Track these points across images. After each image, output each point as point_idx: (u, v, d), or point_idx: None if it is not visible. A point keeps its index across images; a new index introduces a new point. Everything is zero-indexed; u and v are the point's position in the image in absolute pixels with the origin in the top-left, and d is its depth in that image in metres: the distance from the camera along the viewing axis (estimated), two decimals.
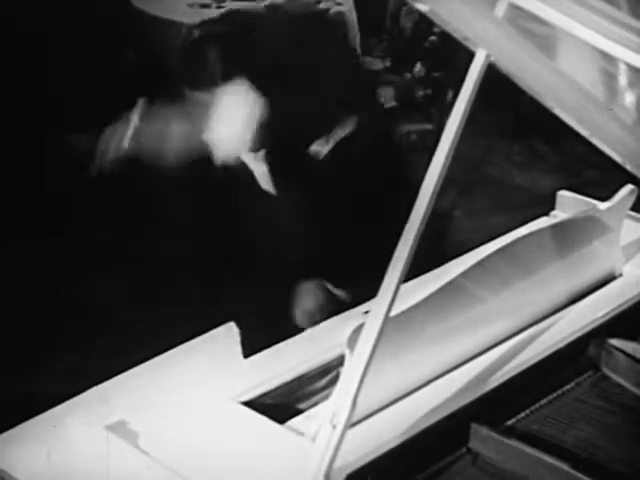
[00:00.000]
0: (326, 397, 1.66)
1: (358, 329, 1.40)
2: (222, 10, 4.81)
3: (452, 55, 4.38)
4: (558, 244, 1.90)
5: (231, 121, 2.17)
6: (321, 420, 1.37)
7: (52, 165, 4.08)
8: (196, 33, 2.06)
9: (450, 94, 4.52)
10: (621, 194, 2.04)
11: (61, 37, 4.19)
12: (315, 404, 1.72)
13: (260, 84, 2.02)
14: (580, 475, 1.54)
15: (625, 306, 1.98)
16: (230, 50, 1.99)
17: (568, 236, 1.93)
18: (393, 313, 1.42)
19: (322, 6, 4.88)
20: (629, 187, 2.04)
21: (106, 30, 4.33)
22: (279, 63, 2.09)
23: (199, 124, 2.05)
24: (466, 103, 1.40)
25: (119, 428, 1.59)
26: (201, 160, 2.12)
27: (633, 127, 1.46)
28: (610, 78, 1.45)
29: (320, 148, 2.17)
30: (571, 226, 1.96)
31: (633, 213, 2.21)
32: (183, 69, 1.96)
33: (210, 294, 2.22)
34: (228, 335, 1.76)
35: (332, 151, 2.19)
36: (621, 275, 2.10)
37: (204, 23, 2.20)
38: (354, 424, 1.49)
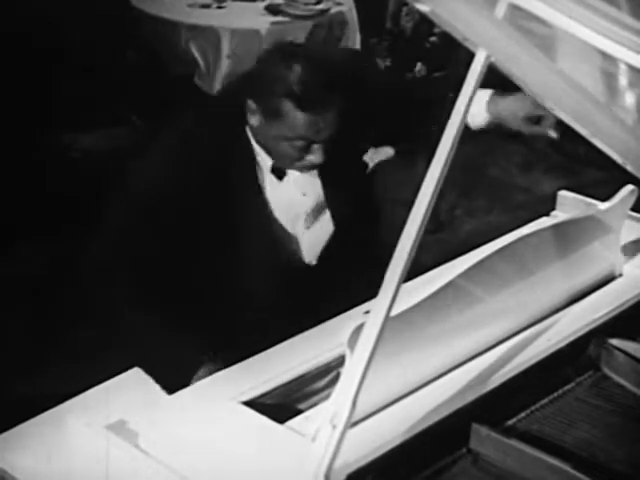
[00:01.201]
0: (326, 397, 1.67)
1: (358, 329, 1.40)
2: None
3: (452, 55, 4.38)
4: (558, 244, 1.90)
5: None
6: (321, 420, 1.37)
7: (52, 165, 4.08)
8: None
9: (450, 94, 4.52)
10: (621, 194, 2.04)
11: (61, 37, 4.19)
12: (315, 404, 1.72)
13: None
14: (580, 475, 1.54)
15: (625, 306, 1.98)
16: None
17: (568, 236, 1.93)
18: (393, 313, 1.42)
19: (322, 6, 4.89)
20: (629, 187, 2.04)
21: (106, 30, 4.34)
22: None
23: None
24: (466, 103, 1.40)
25: (119, 428, 1.59)
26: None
27: (633, 127, 1.46)
28: (610, 78, 1.45)
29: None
30: (571, 226, 1.96)
31: (633, 213, 2.21)
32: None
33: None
34: None
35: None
36: (621, 275, 2.10)
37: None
38: (354, 424, 1.49)
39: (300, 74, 2.05)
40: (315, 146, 2.11)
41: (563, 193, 2.36)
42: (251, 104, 2.12)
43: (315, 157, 2.13)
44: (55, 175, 4.03)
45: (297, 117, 2.06)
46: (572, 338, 1.86)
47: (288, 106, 2.05)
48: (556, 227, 1.91)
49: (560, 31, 1.35)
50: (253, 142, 2.18)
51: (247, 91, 2.13)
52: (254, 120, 2.13)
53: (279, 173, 2.21)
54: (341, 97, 2.08)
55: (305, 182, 2.24)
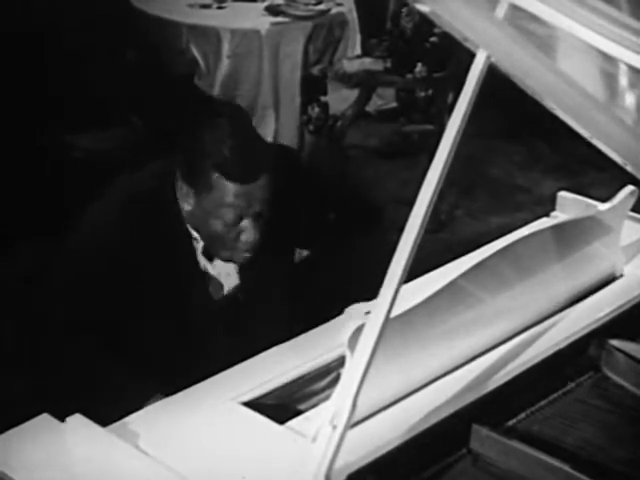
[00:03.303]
0: (326, 398, 1.66)
1: (358, 330, 1.40)
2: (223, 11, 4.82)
3: (453, 56, 4.38)
4: (559, 245, 1.90)
5: None
6: (321, 421, 1.37)
7: (52, 165, 4.08)
8: None
9: (451, 95, 4.51)
10: (621, 195, 2.04)
11: (61, 37, 4.19)
12: (315, 405, 1.72)
13: None
14: (580, 476, 1.53)
15: (626, 307, 1.98)
16: None
17: (569, 237, 1.93)
18: (394, 314, 1.42)
19: (322, 7, 4.89)
20: (629, 188, 2.04)
21: (106, 30, 4.34)
22: None
23: None
24: (467, 104, 1.40)
25: (119, 428, 1.59)
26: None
27: (633, 128, 1.46)
28: (610, 79, 1.45)
29: None
30: (572, 227, 1.96)
31: (633, 214, 2.21)
32: None
33: None
34: None
35: None
36: (622, 276, 2.10)
37: None
38: (354, 425, 1.49)
39: (228, 147, 2.08)
40: (246, 222, 2.11)
41: (563, 194, 2.36)
42: (183, 186, 2.14)
43: (248, 235, 2.12)
44: (57, 174, 4.03)
45: (226, 187, 2.07)
46: (572, 339, 1.86)
47: (217, 178, 2.07)
48: (556, 228, 1.91)
49: (560, 31, 1.35)
50: (189, 226, 2.21)
51: (180, 173, 2.16)
52: (187, 205, 2.16)
53: (209, 256, 2.23)
54: (269, 170, 2.11)
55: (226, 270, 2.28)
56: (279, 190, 2.16)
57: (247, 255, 2.17)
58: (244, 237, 2.13)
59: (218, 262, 2.24)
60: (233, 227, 2.11)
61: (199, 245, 2.21)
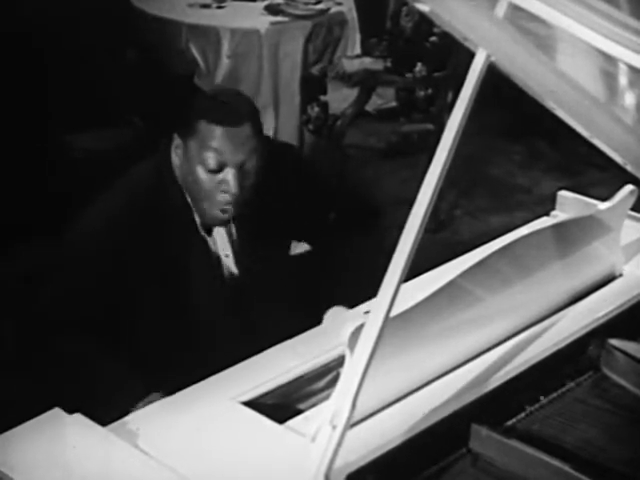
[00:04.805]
0: (326, 397, 1.66)
1: (358, 329, 1.40)
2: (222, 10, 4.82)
3: (452, 55, 4.38)
4: (558, 244, 1.90)
5: None
6: (321, 420, 1.37)
7: (52, 165, 4.08)
8: None
9: (450, 94, 4.51)
10: (621, 194, 2.04)
11: (61, 37, 4.19)
12: (315, 404, 1.72)
13: None
14: (580, 476, 1.53)
15: (625, 306, 1.98)
16: None
17: (568, 236, 1.93)
18: (393, 313, 1.42)
19: (322, 6, 4.89)
20: (629, 187, 2.04)
21: (106, 30, 4.34)
22: None
23: None
24: (466, 103, 1.40)
25: (119, 428, 1.59)
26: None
27: (633, 127, 1.46)
28: (610, 78, 1.45)
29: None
30: (571, 226, 1.96)
31: (633, 213, 2.21)
32: None
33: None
34: None
35: None
36: (621, 275, 2.10)
37: None
38: (354, 424, 1.49)
39: (213, 93, 2.23)
40: (227, 171, 2.11)
41: (563, 193, 2.36)
42: (176, 138, 2.18)
43: (228, 186, 2.11)
44: (57, 175, 4.03)
45: (211, 130, 2.10)
46: (572, 338, 1.86)
47: (202, 122, 2.11)
48: (556, 227, 1.91)
49: (560, 31, 1.35)
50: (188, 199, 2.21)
51: (175, 126, 2.20)
52: (177, 158, 2.18)
53: (208, 228, 2.25)
54: (253, 120, 2.15)
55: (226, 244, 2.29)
56: (279, 183, 2.18)
57: (226, 208, 2.15)
58: (224, 186, 2.12)
59: (215, 235, 2.25)
60: (214, 175, 2.12)
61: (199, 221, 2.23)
